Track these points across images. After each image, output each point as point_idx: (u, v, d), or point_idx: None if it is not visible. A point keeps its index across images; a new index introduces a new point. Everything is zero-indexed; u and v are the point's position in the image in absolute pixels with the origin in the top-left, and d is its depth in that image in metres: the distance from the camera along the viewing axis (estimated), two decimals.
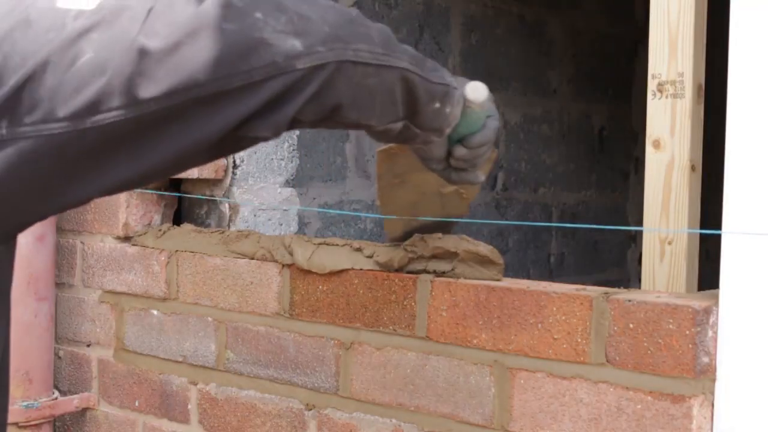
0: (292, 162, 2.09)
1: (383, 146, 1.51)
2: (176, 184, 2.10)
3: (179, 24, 0.96)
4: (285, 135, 2.07)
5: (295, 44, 1.01)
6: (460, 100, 1.27)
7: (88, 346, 2.14)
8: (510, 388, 1.48)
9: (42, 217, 1.02)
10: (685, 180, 1.52)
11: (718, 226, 1.31)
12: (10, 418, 2.00)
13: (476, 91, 1.30)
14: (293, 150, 2.09)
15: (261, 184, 2.04)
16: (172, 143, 0.99)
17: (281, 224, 2.09)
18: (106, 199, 2.09)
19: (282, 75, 1.01)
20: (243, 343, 1.84)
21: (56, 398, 2.11)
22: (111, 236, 2.09)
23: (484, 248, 1.54)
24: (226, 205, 2.04)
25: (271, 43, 1.00)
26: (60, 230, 2.16)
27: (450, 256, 1.56)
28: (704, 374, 1.32)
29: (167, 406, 1.97)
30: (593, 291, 1.43)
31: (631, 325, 1.36)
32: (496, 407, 1.50)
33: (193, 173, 2.00)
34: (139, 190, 2.06)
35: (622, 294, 1.40)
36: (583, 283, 1.53)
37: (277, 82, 1.00)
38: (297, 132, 2.10)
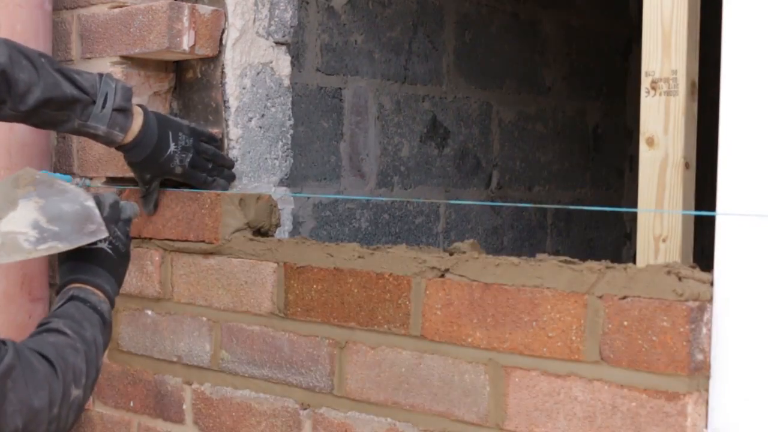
0: (286, 161, 2.08)
1: None
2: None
3: None
4: (279, 134, 2.07)
5: None
6: None
7: None
8: (505, 386, 1.48)
9: None
10: (678, 177, 1.52)
11: (712, 222, 1.31)
12: None
13: None
14: (287, 149, 2.08)
15: (255, 183, 2.03)
16: None
17: None
18: None
19: None
20: (238, 343, 1.84)
21: None
22: None
23: None
24: None
25: None
26: None
27: None
28: (699, 371, 1.32)
29: (162, 407, 1.97)
30: (588, 282, 1.42)
31: (625, 323, 1.36)
32: (491, 405, 1.50)
33: None
34: (131, 188, 2.05)
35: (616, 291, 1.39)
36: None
37: None
38: (291, 131, 2.10)
